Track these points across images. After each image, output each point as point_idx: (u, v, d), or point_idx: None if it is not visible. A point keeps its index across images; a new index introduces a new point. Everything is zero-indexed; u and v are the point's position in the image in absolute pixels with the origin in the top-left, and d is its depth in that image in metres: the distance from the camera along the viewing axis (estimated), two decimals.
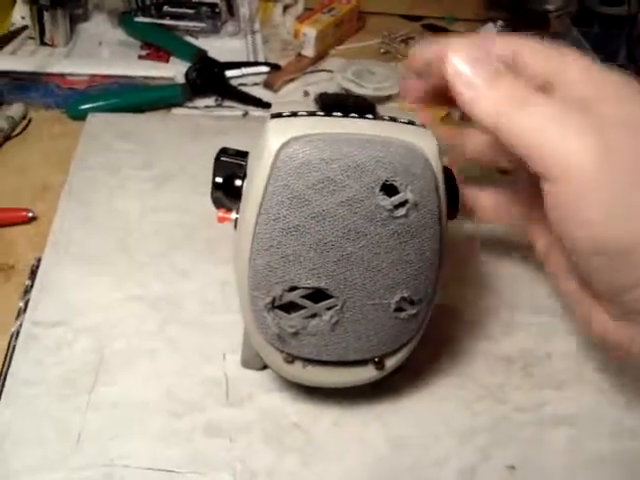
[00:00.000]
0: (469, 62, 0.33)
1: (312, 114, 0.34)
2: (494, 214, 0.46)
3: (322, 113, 0.34)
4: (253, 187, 0.33)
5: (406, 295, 0.35)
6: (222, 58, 0.72)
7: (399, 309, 0.35)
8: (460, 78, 0.33)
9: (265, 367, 0.41)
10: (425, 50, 0.38)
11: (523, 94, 0.32)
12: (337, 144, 0.32)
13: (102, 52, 0.74)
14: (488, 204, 0.45)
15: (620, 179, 0.30)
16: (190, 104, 0.67)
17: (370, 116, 0.34)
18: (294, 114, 0.34)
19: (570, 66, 0.34)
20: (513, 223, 0.45)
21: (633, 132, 0.31)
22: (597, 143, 0.30)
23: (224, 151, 0.38)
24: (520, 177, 0.42)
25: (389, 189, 0.33)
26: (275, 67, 0.73)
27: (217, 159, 0.38)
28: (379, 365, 0.38)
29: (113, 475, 0.37)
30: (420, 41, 0.38)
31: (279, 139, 0.32)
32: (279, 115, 0.34)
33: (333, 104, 0.35)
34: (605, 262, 0.32)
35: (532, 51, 0.36)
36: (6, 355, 0.43)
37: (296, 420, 0.40)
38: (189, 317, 0.45)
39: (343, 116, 0.34)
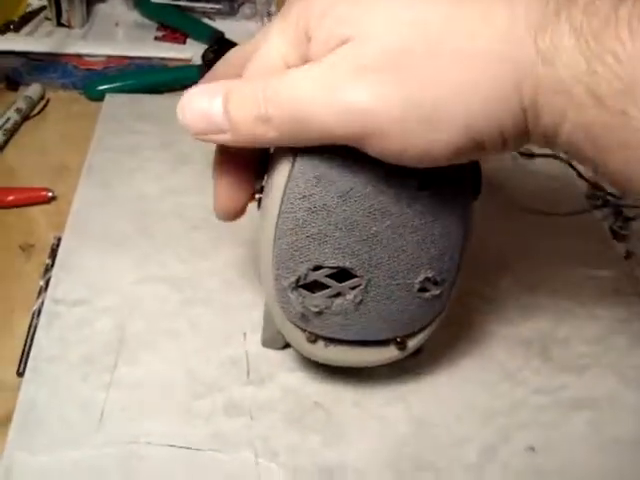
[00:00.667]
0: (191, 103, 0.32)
1: None
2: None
3: None
4: (279, 167, 0.33)
5: (430, 275, 0.35)
6: (238, 40, 0.72)
7: (423, 289, 0.35)
8: (197, 123, 0.32)
9: (285, 346, 0.42)
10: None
11: (264, 93, 0.30)
12: None
13: (118, 33, 0.74)
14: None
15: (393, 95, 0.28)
16: None
17: None
18: None
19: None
20: None
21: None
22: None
23: None
24: None
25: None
26: None
27: None
28: (401, 345, 0.38)
29: (135, 452, 0.37)
30: None
31: None
32: None
33: None
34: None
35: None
36: (28, 333, 0.43)
37: (317, 400, 0.41)
38: (209, 297, 0.46)
39: None
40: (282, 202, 0.33)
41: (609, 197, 0.62)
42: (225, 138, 0.31)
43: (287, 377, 0.42)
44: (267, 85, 0.30)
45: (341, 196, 0.32)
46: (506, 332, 0.46)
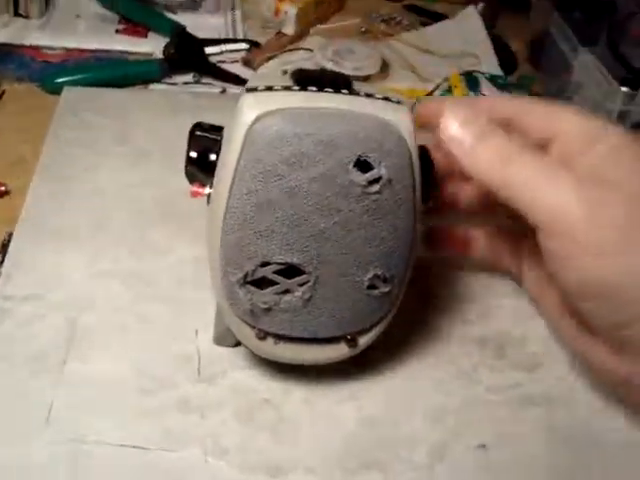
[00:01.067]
0: (458, 123, 0.36)
1: (287, 88, 0.34)
2: (485, 251, 0.46)
3: (297, 88, 0.34)
4: (226, 161, 0.32)
5: (379, 273, 0.35)
6: (201, 34, 0.71)
7: (372, 286, 0.35)
8: (452, 140, 0.36)
9: (237, 344, 0.41)
10: (424, 109, 0.40)
11: (512, 150, 0.35)
12: (311, 119, 0.32)
13: (78, 25, 0.73)
14: (480, 239, 0.46)
15: (608, 230, 0.33)
16: (168, 80, 0.67)
17: (345, 91, 0.34)
18: (269, 88, 0.33)
19: (566, 122, 0.37)
20: (503, 264, 0.47)
21: (614, 186, 0.34)
22: (581, 196, 0.33)
23: (199, 125, 0.37)
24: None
25: (363, 165, 0.33)
26: (254, 44, 0.72)
27: (192, 133, 0.37)
28: (352, 343, 0.38)
29: (83, 451, 0.37)
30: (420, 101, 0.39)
31: (253, 112, 0.32)
32: (254, 89, 0.34)
33: (309, 79, 0.35)
34: (598, 302, 0.34)
35: (529, 112, 0.39)
36: None
37: (267, 397, 0.40)
38: (162, 293, 0.45)
39: (318, 91, 0.34)
40: (229, 197, 0.32)
41: None
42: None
43: (238, 374, 0.41)
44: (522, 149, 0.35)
45: (288, 192, 0.32)
46: (463, 331, 0.46)
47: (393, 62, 0.75)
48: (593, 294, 0.34)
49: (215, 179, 0.34)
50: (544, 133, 0.38)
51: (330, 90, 0.34)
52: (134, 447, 0.37)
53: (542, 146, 0.38)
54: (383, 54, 0.74)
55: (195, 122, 0.38)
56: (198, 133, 0.37)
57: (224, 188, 0.32)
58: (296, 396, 0.41)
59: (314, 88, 0.34)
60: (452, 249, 0.46)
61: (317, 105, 0.33)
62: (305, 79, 0.34)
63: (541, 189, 0.34)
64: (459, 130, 0.35)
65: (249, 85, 0.34)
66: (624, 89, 0.61)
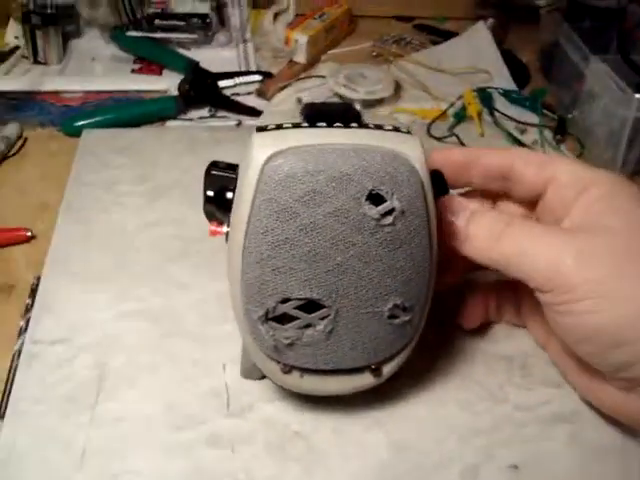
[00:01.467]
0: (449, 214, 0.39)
1: (297, 126, 0.34)
2: (486, 314, 0.47)
3: (306, 125, 0.34)
4: (241, 201, 0.33)
5: (399, 302, 0.35)
6: (214, 68, 0.73)
7: (393, 316, 0.36)
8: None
9: (264, 377, 0.42)
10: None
11: (501, 225, 0.38)
12: (322, 155, 0.32)
13: (95, 68, 0.75)
14: (477, 305, 0.47)
15: (599, 274, 0.35)
16: (184, 116, 0.68)
17: (355, 125, 0.35)
18: (279, 127, 0.34)
19: (560, 170, 0.39)
20: (505, 318, 0.48)
21: (606, 231, 0.36)
22: (572, 247, 0.35)
23: (215, 164, 0.38)
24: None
25: (375, 198, 0.33)
26: (267, 75, 0.74)
27: (207, 172, 0.38)
28: (376, 372, 0.38)
29: None
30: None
31: (264, 153, 0.32)
32: (264, 129, 0.34)
33: (318, 114, 0.35)
34: (595, 346, 0.36)
35: (525, 162, 0.40)
36: (8, 374, 0.43)
37: (297, 429, 0.41)
38: (188, 330, 0.46)
39: (328, 126, 0.34)
40: (246, 237, 0.33)
41: None
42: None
43: (267, 407, 0.42)
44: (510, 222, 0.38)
45: (302, 229, 0.32)
46: (486, 351, 0.46)
47: (405, 83, 0.75)
48: (589, 338, 0.36)
49: (232, 218, 0.35)
50: (539, 181, 0.40)
51: (340, 125, 0.34)
52: None
53: (538, 195, 0.40)
54: (395, 75, 0.75)
55: (211, 161, 0.38)
56: (214, 172, 0.38)
57: (241, 228, 0.33)
58: (325, 426, 0.41)
59: (324, 124, 0.34)
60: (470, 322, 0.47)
61: (327, 141, 0.33)
62: (314, 114, 0.35)
63: (534, 252, 0.36)
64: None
65: (261, 122, 0.35)
66: (638, 96, 0.61)
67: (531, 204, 0.42)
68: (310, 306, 0.35)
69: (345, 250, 0.33)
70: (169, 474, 0.38)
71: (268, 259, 0.33)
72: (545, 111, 0.73)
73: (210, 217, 0.38)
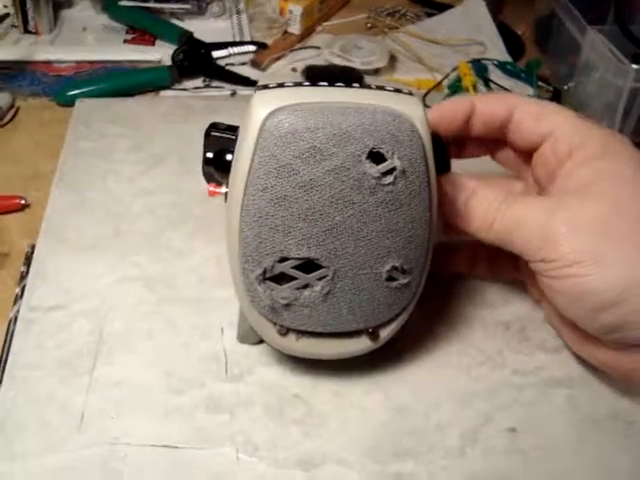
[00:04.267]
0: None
1: (298, 85, 0.34)
2: (487, 268, 0.47)
3: (308, 83, 0.34)
4: (240, 158, 0.33)
5: (397, 264, 0.35)
6: (208, 39, 0.72)
7: (391, 278, 0.36)
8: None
9: (261, 341, 0.42)
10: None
11: (494, 205, 0.38)
12: (323, 113, 0.32)
13: (87, 38, 0.74)
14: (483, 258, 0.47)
15: (586, 242, 0.35)
16: (178, 86, 0.67)
17: (357, 85, 0.34)
18: (280, 85, 0.34)
19: (557, 123, 0.39)
20: (505, 276, 0.48)
21: (596, 199, 0.36)
22: (562, 215, 0.36)
23: (214, 126, 0.38)
24: None
25: (376, 157, 0.33)
26: (262, 46, 0.73)
27: (207, 134, 0.38)
28: (373, 336, 0.38)
29: (117, 453, 0.38)
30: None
31: (265, 109, 0.32)
32: (265, 87, 0.34)
33: (320, 75, 0.35)
34: (582, 309, 0.37)
35: (524, 112, 0.41)
36: (5, 340, 0.43)
37: (296, 392, 0.41)
38: (185, 295, 0.46)
39: (329, 86, 0.34)
40: (245, 194, 0.33)
41: None
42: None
43: (266, 371, 0.42)
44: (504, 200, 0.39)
45: (302, 186, 0.32)
46: (485, 316, 0.46)
47: (400, 55, 0.75)
48: (578, 301, 0.36)
49: (231, 177, 0.35)
50: (536, 133, 0.40)
51: (341, 85, 0.34)
52: (165, 447, 0.38)
53: (535, 146, 0.41)
54: (390, 47, 0.74)
55: (211, 123, 0.38)
56: (214, 133, 0.37)
57: (240, 186, 0.33)
58: (325, 389, 0.41)
59: (325, 83, 0.34)
60: (457, 268, 0.48)
61: (328, 99, 0.33)
62: (316, 75, 0.35)
63: (524, 227, 0.37)
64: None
65: (260, 83, 0.35)
66: (635, 66, 0.61)
67: (529, 154, 0.42)
68: (308, 266, 0.34)
69: (344, 209, 0.33)
70: (168, 437, 0.38)
71: (266, 217, 0.33)
72: (540, 83, 0.72)
73: (209, 179, 0.38)
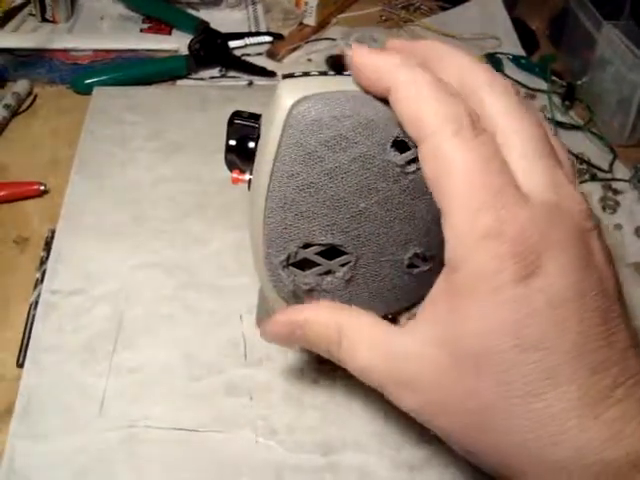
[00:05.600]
0: None
1: (324, 74, 0.34)
2: None
3: (333, 73, 0.34)
4: (266, 146, 0.33)
5: (419, 251, 0.36)
6: (224, 29, 0.72)
7: (412, 265, 0.36)
8: None
9: None
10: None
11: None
12: (348, 102, 0.32)
13: (104, 27, 0.74)
14: None
15: None
16: (194, 75, 0.68)
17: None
18: (306, 74, 0.34)
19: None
20: None
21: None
22: None
23: (238, 114, 0.38)
24: None
25: (400, 145, 0.33)
26: (278, 37, 0.73)
27: (230, 122, 0.38)
28: (393, 322, 0.38)
29: (137, 436, 0.38)
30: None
31: (291, 97, 0.32)
32: (291, 75, 0.34)
33: (344, 65, 0.35)
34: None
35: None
36: (26, 324, 0.44)
37: (315, 377, 0.41)
38: (205, 281, 0.46)
39: None
40: (270, 181, 0.33)
41: (597, 171, 0.63)
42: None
43: (285, 357, 0.42)
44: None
45: (327, 174, 0.32)
46: None
47: None
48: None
49: (255, 164, 0.35)
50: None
51: None
52: (185, 430, 0.39)
53: None
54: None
55: (234, 111, 0.38)
56: (237, 121, 0.38)
57: (265, 172, 0.33)
58: (344, 375, 0.41)
59: (349, 72, 0.34)
60: None
61: (353, 88, 0.33)
62: (340, 64, 0.35)
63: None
64: None
65: (285, 72, 0.35)
66: None
67: None
68: (331, 253, 0.35)
69: (368, 196, 0.33)
70: (187, 421, 0.39)
71: (292, 203, 0.33)
72: (554, 78, 0.72)
73: (231, 166, 0.38)
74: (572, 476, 0.28)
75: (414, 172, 0.33)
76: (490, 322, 0.28)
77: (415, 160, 0.33)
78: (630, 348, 0.29)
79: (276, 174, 0.33)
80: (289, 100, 0.32)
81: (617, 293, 0.30)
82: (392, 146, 0.33)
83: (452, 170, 0.28)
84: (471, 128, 0.29)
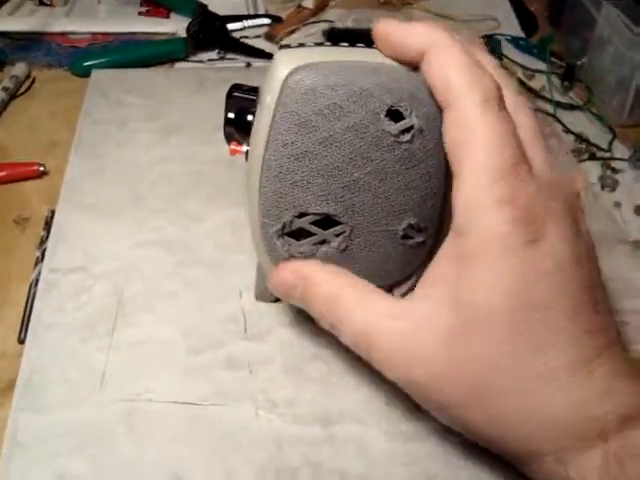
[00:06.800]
0: None
1: (319, 45, 0.35)
2: None
3: (329, 44, 0.35)
4: (262, 115, 0.33)
5: (413, 222, 0.36)
6: (222, 12, 0.72)
7: (406, 236, 0.36)
8: None
9: (277, 300, 0.42)
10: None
11: None
12: (343, 71, 0.33)
13: (101, 10, 0.74)
14: None
15: None
16: (193, 58, 0.68)
17: (376, 47, 0.35)
18: (302, 45, 0.34)
19: None
20: None
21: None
22: None
23: (237, 87, 0.38)
24: None
25: (394, 115, 0.33)
26: (276, 19, 0.73)
27: (229, 95, 0.38)
28: (389, 293, 0.38)
29: (138, 409, 0.38)
30: None
31: (286, 67, 0.33)
32: (287, 46, 0.34)
33: (341, 36, 0.35)
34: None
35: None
36: (27, 301, 0.44)
37: (314, 351, 0.41)
38: (204, 259, 0.46)
39: (350, 46, 0.34)
40: (266, 150, 0.33)
41: (596, 149, 0.63)
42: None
43: (284, 331, 0.42)
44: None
45: (322, 142, 0.33)
46: None
47: None
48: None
49: (252, 135, 0.35)
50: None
51: (362, 45, 0.35)
52: (186, 403, 0.39)
53: None
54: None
55: (233, 83, 0.38)
56: (236, 94, 0.38)
57: (261, 142, 0.33)
58: (342, 348, 0.41)
59: (346, 44, 0.34)
60: None
61: (349, 59, 0.33)
62: (337, 36, 0.35)
63: None
64: None
65: (282, 44, 0.35)
66: None
67: None
68: (326, 223, 0.35)
69: (362, 166, 0.33)
70: (188, 394, 0.39)
71: (287, 172, 0.33)
72: (553, 59, 0.72)
73: (229, 139, 0.39)
74: (566, 431, 0.29)
75: (408, 142, 0.33)
76: (501, 281, 0.29)
77: (409, 129, 0.33)
78: (609, 314, 0.31)
79: (271, 143, 0.33)
80: (284, 70, 0.33)
81: (598, 268, 0.32)
82: (386, 115, 0.33)
83: (475, 137, 0.30)
84: (498, 101, 0.31)
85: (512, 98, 0.33)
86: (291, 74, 0.32)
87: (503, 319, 0.29)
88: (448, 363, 0.31)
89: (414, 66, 0.33)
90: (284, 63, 0.33)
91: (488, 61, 0.34)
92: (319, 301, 0.35)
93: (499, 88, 0.31)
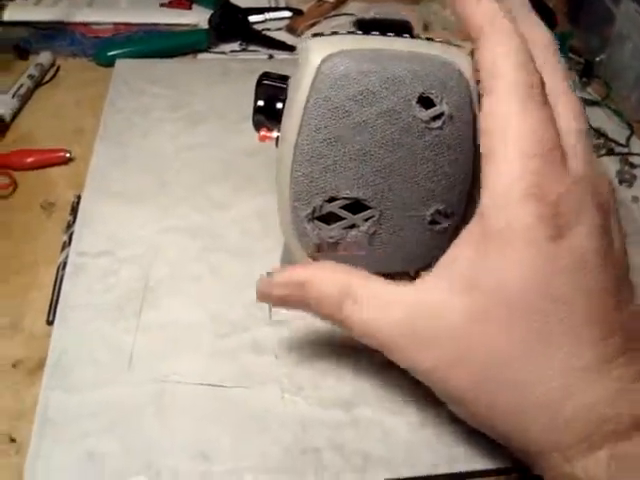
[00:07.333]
0: None
1: (351, 33, 0.35)
2: None
3: (361, 32, 0.35)
4: (295, 100, 0.34)
5: (441, 208, 0.36)
6: (243, 4, 0.73)
7: (434, 222, 0.37)
8: None
9: None
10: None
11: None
12: (375, 58, 0.33)
13: (123, 1, 0.75)
14: None
15: None
16: (215, 49, 0.68)
17: (407, 36, 0.36)
18: (334, 33, 0.35)
19: None
20: None
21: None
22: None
23: (267, 75, 0.39)
24: None
25: (425, 102, 0.34)
26: (297, 12, 0.74)
27: (259, 83, 0.39)
28: (414, 279, 0.39)
29: (165, 390, 0.39)
30: None
31: (320, 54, 0.33)
32: (320, 34, 0.35)
33: (372, 26, 0.36)
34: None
35: None
36: (55, 284, 0.45)
37: (340, 336, 0.42)
38: (229, 245, 0.47)
39: (381, 34, 0.35)
40: (299, 135, 0.34)
41: (614, 145, 0.63)
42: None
43: (309, 317, 0.43)
44: None
45: (354, 127, 0.33)
46: None
47: (433, 23, 0.75)
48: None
49: (284, 119, 0.36)
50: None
51: (392, 34, 0.35)
52: (212, 385, 0.39)
53: None
54: (423, 16, 0.75)
55: (263, 72, 0.39)
56: (265, 82, 0.38)
57: (294, 126, 0.34)
58: None
59: (377, 33, 0.35)
60: None
61: (381, 47, 0.34)
62: (368, 25, 0.36)
63: None
64: None
65: (314, 32, 0.36)
66: None
67: None
68: (355, 207, 0.36)
69: (393, 151, 0.34)
70: (215, 377, 0.40)
71: (319, 157, 0.34)
72: (571, 55, 0.73)
73: (258, 127, 0.39)
74: (575, 430, 0.29)
75: (438, 128, 0.34)
76: (521, 270, 0.29)
77: (440, 116, 0.34)
78: (634, 314, 0.31)
79: (304, 128, 0.34)
80: (318, 56, 0.33)
81: (627, 266, 0.32)
82: (418, 102, 0.34)
83: (512, 125, 0.30)
84: (541, 94, 0.31)
85: (560, 83, 0.33)
86: (324, 61, 0.33)
87: (519, 307, 0.30)
88: (456, 347, 0.31)
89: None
90: (318, 50, 0.33)
91: (540, 37, 0.34)
92: (320, 302, 0.35)
93: (543, 81, 0.31)
